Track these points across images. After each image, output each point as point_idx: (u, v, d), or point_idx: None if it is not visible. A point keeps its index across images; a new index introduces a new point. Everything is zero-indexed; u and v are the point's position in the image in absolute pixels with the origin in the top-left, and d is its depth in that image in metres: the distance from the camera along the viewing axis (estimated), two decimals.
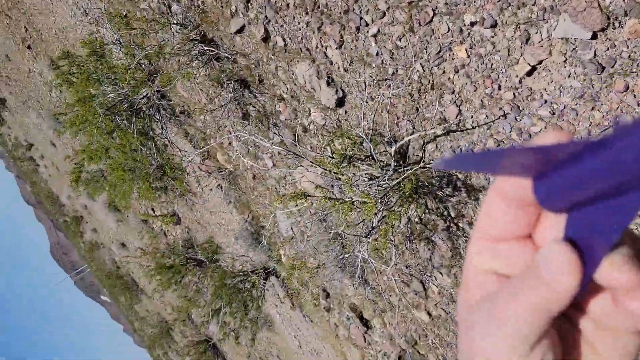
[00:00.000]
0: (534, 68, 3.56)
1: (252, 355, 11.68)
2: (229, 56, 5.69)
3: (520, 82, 3.70)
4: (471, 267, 0.46)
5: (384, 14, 4.08)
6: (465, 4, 3.60)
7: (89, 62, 8.40)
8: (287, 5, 4.74)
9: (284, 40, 5.05)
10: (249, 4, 5.11)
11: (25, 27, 14.10)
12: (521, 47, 3.53)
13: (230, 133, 6.38)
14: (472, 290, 0.46)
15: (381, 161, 4.68)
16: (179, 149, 8.88)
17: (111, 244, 19.79)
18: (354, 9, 4.25)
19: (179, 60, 6.28)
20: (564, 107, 3.63)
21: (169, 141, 8.86)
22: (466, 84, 3.98)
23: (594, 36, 3.26)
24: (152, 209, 13.10)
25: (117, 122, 8.11)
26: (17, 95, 18.90)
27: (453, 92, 4.12)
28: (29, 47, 14.87)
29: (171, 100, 8.18)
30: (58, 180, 21.78)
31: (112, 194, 11.50)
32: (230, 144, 7.31)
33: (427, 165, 4.62)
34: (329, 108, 5.09)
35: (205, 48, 5.74)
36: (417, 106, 4.44)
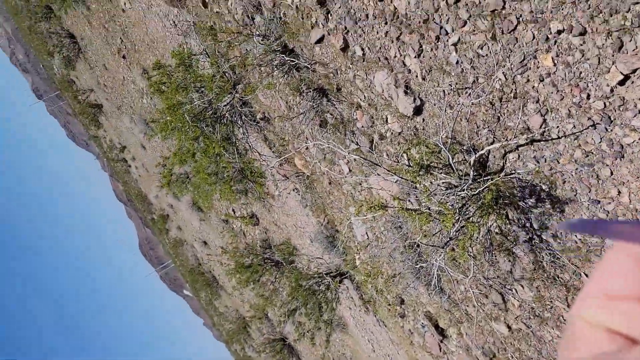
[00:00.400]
0: (627, 77, 3.38)
1: (326, 356, 11.84)
2: (309, 66, 5.84)
3: (611, 91, 3.52)
4: (579, 321, 0.45)
5: (465, 23, 4.03)
6: (552, 12, 3.48)
7: (178, 72, 8.94)
8: (367, 15, 4.80)
9: (362, 49, 5.12)
10: (329, 15, 5.23)
11: (120, 38, 15.19)
12: (613, 55, 3.36)
13: (307, 140, 6.55)
14: (578, 347, 0.45)
15: (459, 170, 4.61)
16: (259, 153, 9.22)
17: (194, 242, 20.84)
18: (434, 19, 4.23)
19: (261, 70, 6.54)
20: None
21: (249, 146, 9.23)
22: (552, 92, 3.85)
23: None
24: (233, 210, 13.65)
25: (202, 128, 8.57)
26: (112, 101, 20.40)
27: (537, 101, 3.99)
28: (123, 57, 16.01)
29: (252, 107, 8.51)
30: (147, 180, 23.26)
31: (196, 195, 12.15)
32: (307, 149, 7.49)
33: (509, 175, 4.50)
34: (406, 116, 5.10)
35: (286, 58, 5.94)
36: (499, 115, 4.34)
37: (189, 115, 8.44)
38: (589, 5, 3.25)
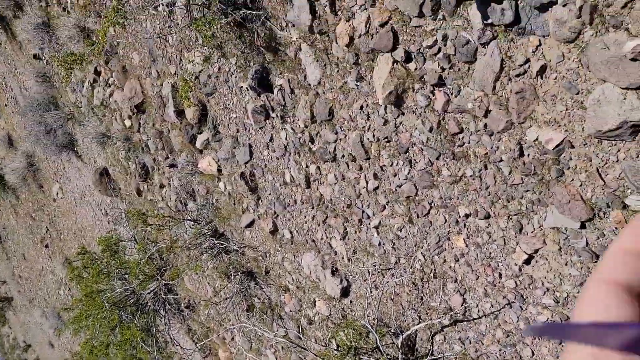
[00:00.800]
0: (531, 256, 3.68)
1: None
2: (238, 249, 5.92)
3: (520, 270, 3.78)
4: None
5: (384, 207, 4.38)
6: (458, 198, 3.90)
7: (103, 258, 8.67)
8: (295, 201, 5.12)
9: (290, 232, 5.32)
10: (260, 201, 5.52)
11: (47, 227, 14.85)
12: (516, 237, 3.71)
13: (233, 327, 6.26)
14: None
15: (388, 354, 4.50)
16: (180, 347, 8.57)
17: None
18: (356, 204, 4.58)
19: (189, 254, 6.51)
20: (567, 295, 3.65)
21: (170, 338, 8.60)
22: (467, 272, 4.07)
23: (583, 226, 3.44)
24: None
25: (121, 318, 8.02)
26: (25, 293, 18.93)
27: (456, 281, 4.18)
28: (46, 246, 15.43)
29: (177, 295, 8.20)
30: None
31: None
32: (233, 339, 7.10)
33: (437, 359, 4.42)
34: (334, 298, 5.10)
35: (216, 242, 6.01)
36: (422, 295, 4.45)
37: (108, 302, 7.95)
38: (489, 192, 3.69)
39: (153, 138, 6.68)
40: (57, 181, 12.31)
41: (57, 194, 13.25)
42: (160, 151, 6.72)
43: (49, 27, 7.80)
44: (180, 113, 5.92)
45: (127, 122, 7.06)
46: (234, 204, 5.88)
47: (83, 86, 7.71)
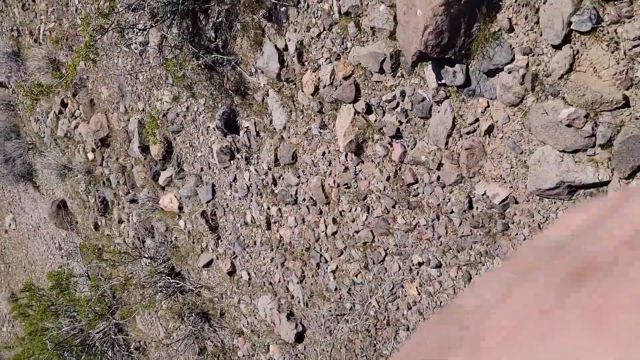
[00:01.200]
0: None
1: None
2: (194, 289, 5.84)
3: None
4: None
5: (342, 252, 4.47)
6: (412, 246, 4.03)
7: (51, 295, 8.36)
8: (255, 242, 5.15)
9: (248, 274, 5.32)
10: (220, 241, 5.52)
11: None
12: (465, 287, 3.83)
13: None
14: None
15: None
16: None
17: None
18: (315, 247, 4.65)
19: (143, 293, 6.37)
20: None
21: None
22: (419, 320, 4.15)
23: None
24: None
25: (66, 359, 7.67)
26: None
27: (408, 329, 4.25)
28: None
29: (128, 335, 7.92)
30: None
31: None
32: None
33: None
34: (288, 343, 5.07)
35: (172, 281, 5.93)
36: (374, 342, 4.49)
37: (52, 342, 7.62)
38: (441, 242, 3.83)
39: (115, 172, 6.64)
40: (11, 211, 11.92)
41: (10, 224, 12.78)
42: (121, 186, 6.68)
43: (18, 57, 7.80)
44: (145, 149, 5.94)
45: (90, 155, 7.01)
46: (193, 243, 5.85)
47: (48, 117, 7.65)
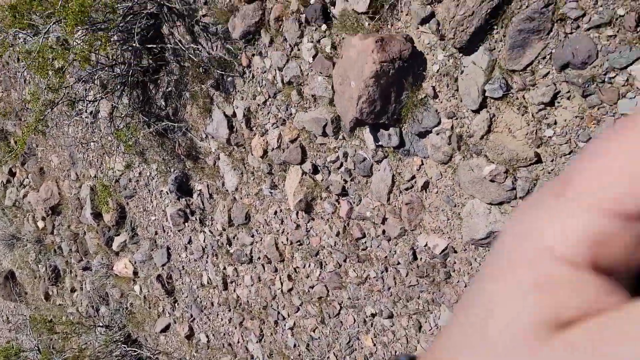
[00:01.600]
0: None
1: None
2: (152, 355, 5.72)
3: None
4: None
5: (298, 309, 4.55)
6: (365, 298, 4.17)
7: None
8: (212, 303, 5.16)
9: (207, 336, 5.29)
10: (176, 304, 5.49)
11: None
12: (417, 335, 3.98)
13: None
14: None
15: None
16: None
17: None
18: (272, 305, 4.71)
19: None
20: None
21: None
22: None
23: None
24: None
25: None
26: None
27: None
28: None
29: None
30: None
31: None
32: None
33: None
34: None
35: (128, 349, 5.79)
36: None
37: None
38: (391, 292, 4.00)
39: (67, 240, 6.54)
40: None
41: None
42: (74, 253, 6.56)
43: None
44: (97, 215, 5.92)
45: (41, 224, 6.88)
46: (149, 308, 5.78)
47: None
